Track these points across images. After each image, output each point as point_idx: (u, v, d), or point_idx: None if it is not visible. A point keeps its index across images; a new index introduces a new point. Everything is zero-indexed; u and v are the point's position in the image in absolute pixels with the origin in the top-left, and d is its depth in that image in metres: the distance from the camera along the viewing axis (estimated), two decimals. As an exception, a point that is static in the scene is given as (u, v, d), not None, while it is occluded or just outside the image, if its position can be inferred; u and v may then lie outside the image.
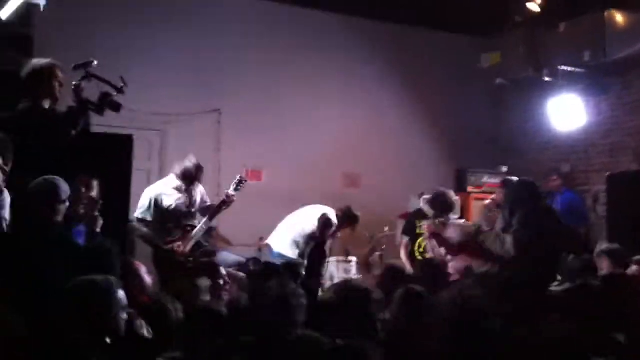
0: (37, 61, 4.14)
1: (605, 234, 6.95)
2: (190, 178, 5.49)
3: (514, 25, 7.48)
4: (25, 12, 5.63)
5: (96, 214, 4.27)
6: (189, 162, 5.51)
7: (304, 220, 6.26)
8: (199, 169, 5.55)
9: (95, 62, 4.06)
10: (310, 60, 8.05)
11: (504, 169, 8.39)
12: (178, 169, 5.51)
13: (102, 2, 6.97)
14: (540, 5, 6.98)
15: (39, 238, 3.52)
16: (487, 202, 6.83)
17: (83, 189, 4.33)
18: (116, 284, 2.77)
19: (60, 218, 3.79)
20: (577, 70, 7.34)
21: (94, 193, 4.42)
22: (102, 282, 2.73)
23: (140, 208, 5.40)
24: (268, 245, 6.30)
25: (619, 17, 6.92)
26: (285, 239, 6.26)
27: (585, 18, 7.14)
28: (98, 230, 4.22)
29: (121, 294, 2.74)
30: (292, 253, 6.14)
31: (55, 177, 3.81)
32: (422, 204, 6.29)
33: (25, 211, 3.69)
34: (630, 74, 7.66)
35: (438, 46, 8.77)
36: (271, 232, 6.73)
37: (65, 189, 3.78)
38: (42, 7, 5.68)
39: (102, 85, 4.05)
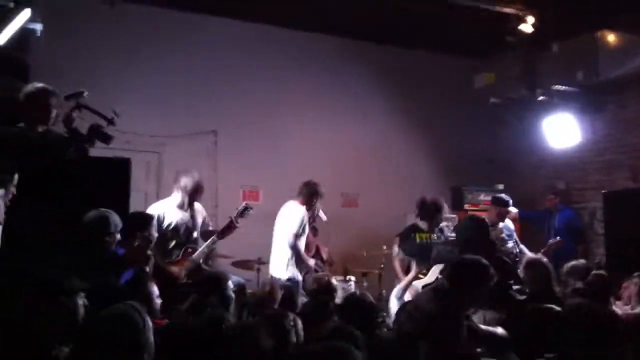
0: (31, 86, 4.17)
1: (603, 251, 6.98)
2: (199, 192, 5.48)
3: (508, 46, 7.56)
4: (22, 38, 5.65)
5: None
6: (196, 176, 5.50)
7: (282, 228, 6.28)
8: (202, 186, 5.56)
9: (86, 93, 4.08)
10: (306, 82, 8.11)
11: (500, 186, 8.42)
12: (186, 183, 5.45)
13: (97, 28, 7.00)
14: (533, 26, 7.06)
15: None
16: None
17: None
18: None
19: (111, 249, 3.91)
20: (571, 89, 7.42)
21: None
22: (136, 313, 2.71)
23: None
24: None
25: (611, 37, 7.02)
26: (277, 260, 6.27)
27: (578, 38, 7.22)
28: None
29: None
30: (288, 272, 6.14)
31: (107, 210, 3.94)
32: (415, 219, 6.35)
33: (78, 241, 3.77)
34: (624, 93, 7.74)
35: (434, 67, 8.86)
36: (269, 252, 6.73)
37: (117, 221, 3.91)
38: (38, 33, 5.70)
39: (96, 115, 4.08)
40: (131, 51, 7.11)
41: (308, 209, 6.31)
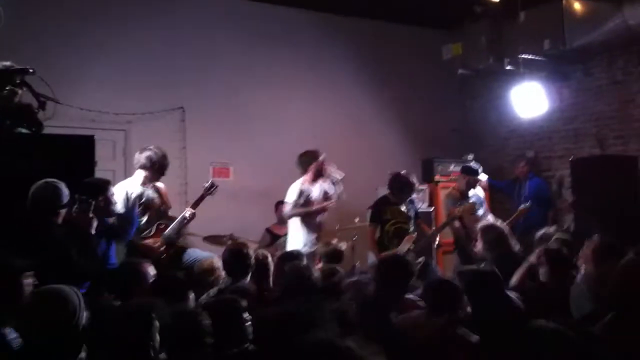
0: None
1: (571, 217, 7.07)
2: (164, 167, 5.42)
3: (475, 16, 7.55)
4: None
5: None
6: (158, 152, 5.41)
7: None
8: (166, 160, 5.46)
9: (32, 70, 3.95)
10: (275, 56, 8.00)
11: (470, 157, 8.48)
12: (149, 158, 5.37)
13: (61, 2, 6.82)
14: (499, -5, 7.05)
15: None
16: (448, 191, 6.95)
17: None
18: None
19: (59, 221, 3.88)
20: (538, 58, 7.45)
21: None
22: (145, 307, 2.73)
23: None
24: None
25: (578, 5, 7.03)
26: (292, 234, 6.23)
27: (545, 7, 7.23)
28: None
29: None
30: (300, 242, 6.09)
31: (56, 180, 3.88)
32: (386, 191, 6.37)
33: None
34: (591, 61, 7.80)
35: (401, 39, 8.83)
36: (240, 229, 6.68)
37: (66, 192, 3.90)
38: (-1, 8, 5.51)
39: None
40: (95, 28, 6.92)
41: (314, 180, 6.18)
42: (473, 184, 6.68)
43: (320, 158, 6.17)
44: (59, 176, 4.22)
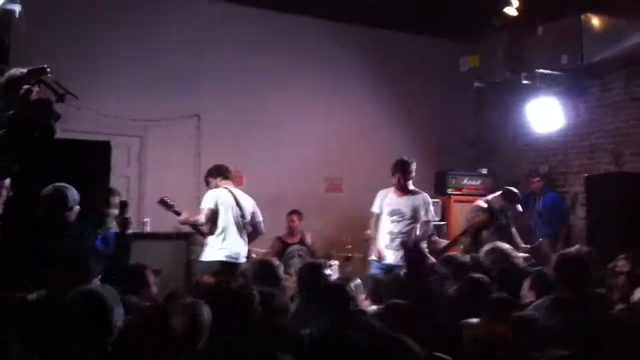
0: (15, 70, 4.09)
1: (584, 235, 7.00)
2: None
3: (493, 29, 7.53)
4: (1, 19, 5.55)
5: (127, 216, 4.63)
6: None
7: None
8: None
9: (48, 69, 4.00)
10: (291, 65, 8.04)
11: (484, 171, 8.43)
12: None
13: (81, 8, 6.91)
14: (518, 9, 7.02)
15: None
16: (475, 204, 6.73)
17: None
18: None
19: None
20: (555, 73, 7.40)
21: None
22: (105, 293, 2.73)
23: None
24: None
25: (596, 20, 6.98)
26: None
27: (563, 21, 7.20)
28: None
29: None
30: None
31: (64, 184, 3.98)
32: None
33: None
34: (608, 77, 7.73)
35: (419, 50, 8.81)
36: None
37: (74, 196, 3.97)
38: (17, 14, 5.61)
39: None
40: (113, 34, 7.01)
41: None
42: (506, 210, 6.41)
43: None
44: (74, 181, 4.29)
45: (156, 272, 4.86)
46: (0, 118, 3.87)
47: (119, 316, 2.69)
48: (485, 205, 6.39)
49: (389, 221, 5.99)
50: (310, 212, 7.43)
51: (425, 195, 6.10)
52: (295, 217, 7.24)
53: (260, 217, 6.04)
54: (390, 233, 5.96)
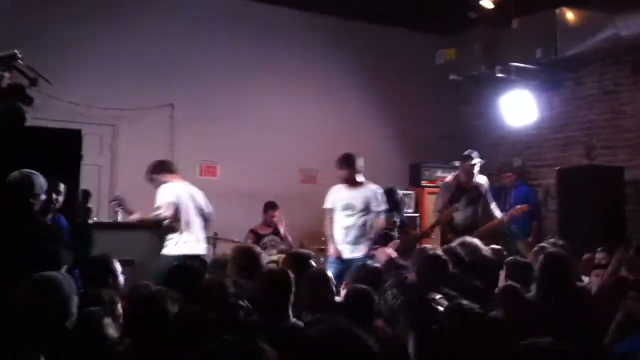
0: None
1: (556, 228, 7.08)
2: None
3: (470, 22, 7.55)
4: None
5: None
6: None
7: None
8: None
9: (19, 55, 3.93)
10: (266, 57, 7.98)
11: (457, 163, 8.46)
12: None
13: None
14: (494, 2, 7.05)
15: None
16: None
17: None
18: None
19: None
20: (530, 66, 7.46)
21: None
22: (62, 278, 2.74)
23: None
24: None
25: (571, 15, 7.03)
26: None
27: (538, 15, 7.24)
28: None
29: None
30: None
31: (32, 171, 3.87)
32: None
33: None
34: (582, 70, 7.82)
35: (396, 43, 8.80)
36: (226, 228, 6.65)
37: (41, 184, 3.87)
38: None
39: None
40: (87, 22, 6.88)
41: None
42: (469, 169, 6.47)
43: None
44: (45, 169, 4.20)
45: (128, 262, 4.82)
46: None
47: (75, 302, 2.71)
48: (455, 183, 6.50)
49: (343, 215, 5.99)
50: (286, 203, 7.39)
51: (375, 187, 6.07)
52: (275, 213, 7.22)
53: (211, 207, 5.98)
54: (345, 227, 5.96)
